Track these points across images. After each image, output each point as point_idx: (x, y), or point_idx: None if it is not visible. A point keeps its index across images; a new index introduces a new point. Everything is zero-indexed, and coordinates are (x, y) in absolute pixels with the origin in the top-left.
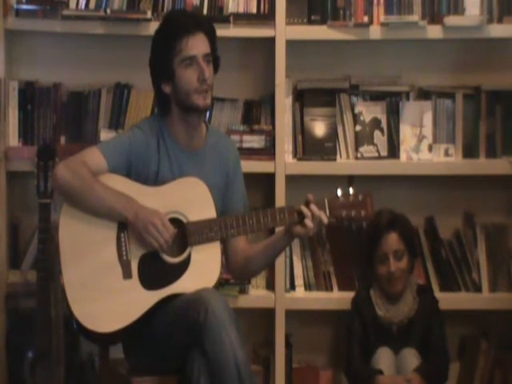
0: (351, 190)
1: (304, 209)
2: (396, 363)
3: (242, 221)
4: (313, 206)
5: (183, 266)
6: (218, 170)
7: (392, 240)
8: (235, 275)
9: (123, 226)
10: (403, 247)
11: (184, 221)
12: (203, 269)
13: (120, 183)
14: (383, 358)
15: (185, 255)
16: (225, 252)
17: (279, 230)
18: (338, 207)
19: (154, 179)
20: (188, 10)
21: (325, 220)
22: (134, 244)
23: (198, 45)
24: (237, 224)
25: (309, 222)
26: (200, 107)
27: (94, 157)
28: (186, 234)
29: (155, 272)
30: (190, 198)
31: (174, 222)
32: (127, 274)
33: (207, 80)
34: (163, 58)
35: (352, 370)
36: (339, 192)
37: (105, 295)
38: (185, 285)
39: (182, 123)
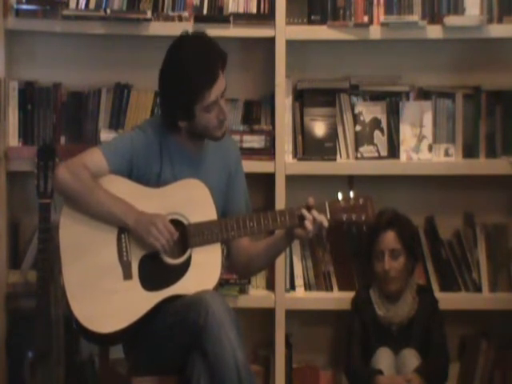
0: (352, 194)
1: (305, 213)
2: (396, 363)
3: (243, 223)
4: (314, 212)
5: (184, 268)
6: (219, 170)
7: (389, 238)
8: (238, 273)
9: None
10: (400, 247)
11: (185, 222)
12: (203, 270)
13: (121, 185)
14: (383, 358)
15: (185, 257)
16: (228, 251)
17: (280, 230)
18: (339, 211)
19: (155, 180)
20: (205, 41)
21: (326, 224)
22: (135, 245)
23: (219, 87)
24: (237, 226)
25: (308, 225)
26: (218, 139)
27: (95, 159)
28: (186, 236)
29: (156, 273)
30: (191, 200)
31: (175, 223)
32: (127, 275)
33: (227, 118)
34: (184, 103)
35: (352, 370)
36: (340, 196)
37: (105, 296)
38: (185, 286)
39: (188, 137)
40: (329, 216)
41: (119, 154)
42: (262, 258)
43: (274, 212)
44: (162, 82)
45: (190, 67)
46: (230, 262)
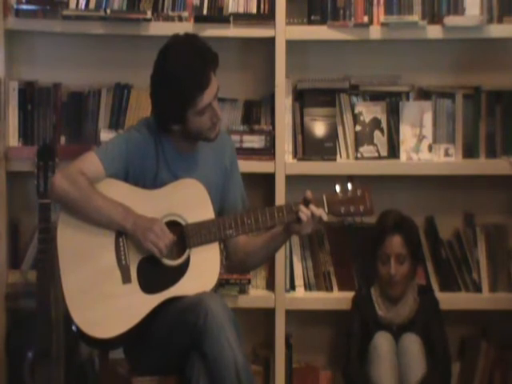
0: (349, 186)
1: (303, 208)
2: (396, 349)
3: (241, 221)
4: (312, 207)
5: (182, 269)
6: (215, 166)
7: (396, 243)
8: (236, 269)
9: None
10: (406, 251)
11: (182, 223)
12: (202, 270)
13: (118, 188)
14: (383, 343)
15: (184, 257)
16: (225, 247)
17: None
18: (337, 203)
19: (152, 180)
20: (195, 44)
21: (325, 218)
22: (133, 248)
23: (211, 91)
24: (235, 224)
25: (304, 217)
26: (212, 140)
27: (91, 164)
28: (184, 237)
29: (155, 275)
30: (188, 200)
31: (173, 224)
32: (126, 279)
33: (220, 119)
34: (176, 108)
35: (348, 374)
36: (337, 188)
37: (105, 301)
38: (184, 287)
39: (182, 138)
40: (327, 209)
41: (115, 158)
42: (259, 254)
43: (272, 208)
44: (154, 87)
45: (180, 73)
46: (228, 259)
